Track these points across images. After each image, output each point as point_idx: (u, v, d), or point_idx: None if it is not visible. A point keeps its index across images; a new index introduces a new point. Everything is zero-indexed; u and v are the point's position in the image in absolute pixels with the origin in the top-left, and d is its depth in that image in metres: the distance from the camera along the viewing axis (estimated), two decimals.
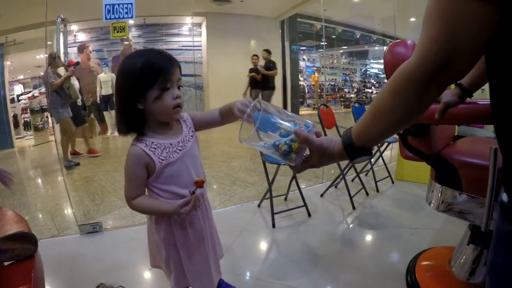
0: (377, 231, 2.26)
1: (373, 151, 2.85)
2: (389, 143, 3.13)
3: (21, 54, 6.84)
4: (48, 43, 3.39)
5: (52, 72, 3.93)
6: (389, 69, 1.26)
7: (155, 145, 1.06)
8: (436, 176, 1.34)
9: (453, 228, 2.11)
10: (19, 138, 7.03)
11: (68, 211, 2.86)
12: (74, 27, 6.71)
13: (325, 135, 2.70)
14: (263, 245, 2.17)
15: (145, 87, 1.00)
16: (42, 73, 6.46)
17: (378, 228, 2.30)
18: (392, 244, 2.05)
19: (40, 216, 2.86)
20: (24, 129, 7.19)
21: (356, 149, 0.73)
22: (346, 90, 10.97)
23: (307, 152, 0.80)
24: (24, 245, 0.92)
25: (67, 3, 4.23)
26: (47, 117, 7.38)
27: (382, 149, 3.20)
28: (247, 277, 1.78)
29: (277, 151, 0.78)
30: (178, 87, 1.05)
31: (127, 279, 1.76)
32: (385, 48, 10.36)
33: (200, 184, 1.03)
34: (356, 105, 3.38)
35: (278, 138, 0.78)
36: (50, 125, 7.01)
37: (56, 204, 3.17)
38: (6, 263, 0.90)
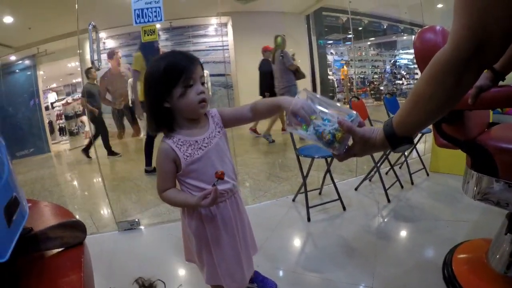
0: (412, 224, 2.23)
1: (415, 140, 2.80)
2: (422, 134, 3.06)
3: (53, 64, 7.16)
4: (79, 51, 3.53)
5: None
6: (420, 56, 1.24)
7: (182, 142, 1.12)
8: (472, 164, 1.31)
9: (490, 219, 2.07)
10: (55, 143, 7.35)
11: (106, 209, 2.99)
12: (102, 34, 6.92)
13: None
14: (299, 239, 2.19)
15: (170, 86, 1.07)
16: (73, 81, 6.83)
17: (413, 220, 2.26)
18: (428, 237, 2.02)
19: (79, 215, 2.96)
20: (60, 134, 7.50)
21: (398, 138, 0.75)
22: (377, 82, 10.75)
23: (350, 141, 0.83)
24: (73, 232, 0.94)
25: (96, 11, 4.38)
26: (81, 121, 7.69)
27: (415, 140, 3.12)
28: (283, 270, 1.80)
29: (321, 139, 0.81)
30: (202, 84, 1.11)
31: (164, 273, 1.82)
32: (413, 37, 10.12)
33: (219, 175, 1.02)
34: (388, 96, 3.31)
35: (321, 124, 0.82)
36: (87, 129, 7.29)
37: (94, 203, 3.30)
38: (55, 251, 0.92)
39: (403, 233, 2.15)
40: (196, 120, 1.17)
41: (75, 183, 4.35)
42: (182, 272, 1.90)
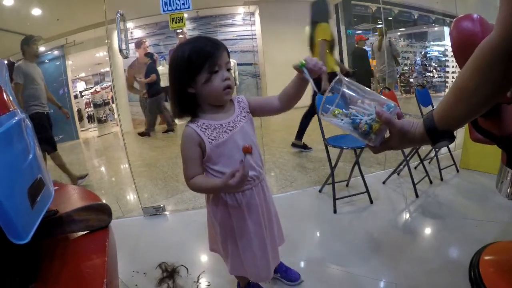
0: (440, 221, 2.16)
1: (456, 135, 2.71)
2: None
3: (81, 54, 7.31)
4: (107, 41, 3.59)
5: None
6: (457, 46, 1.18)
7: (206, 125, 1.11)
8: (508, 161, 1.25)
9: None
10: (84, 130, 7.53)
11: (132, 195, 3.06)
12: (130, 24, 7.00)
13: None
14: (324, 231, 2.16)
15: (194, 72, 1.06)
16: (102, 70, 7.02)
17: (441, 218, 2.20)
18: (455, 236, 1.95)
19: (105, 199, 3.04)
20: (88, 122, 7.70)
21: (439, 133, 0.71)
22: (407, 74, 10.43)
23: (387, 133, 0.79)
24: (98, 215, 0.95)
25: (123, 1, 4.45)
26: (109, 109, 7.87)
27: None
28: (307, 262, 1.80)
29: (357, 129, 0.78)
30: (228, 70, 1.10)
31: (188, 259, 1.85)
32: (445, 28, 9.73)
33: (247, 149, 0.99)
34: (419, 88, 3.21)
35: (358, 114, 0.78)
36: (116, 116, 7.45)
37: (120, 189, 3.38)
38: (80, 233, 0.93)
39: (430, 230, 2.09)
40: (221, 106, 1.15)
41: (103, 168, 4.46)
42: (205, 259, 1.92)
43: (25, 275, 0.73)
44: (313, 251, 1.91)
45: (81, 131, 7.44)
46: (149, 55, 6.18)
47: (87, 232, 0.94)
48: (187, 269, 1.76)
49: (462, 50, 1.20)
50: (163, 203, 2.63)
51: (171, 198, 2.87)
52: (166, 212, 2.54)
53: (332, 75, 3.44)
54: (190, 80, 1.07)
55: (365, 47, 6.07)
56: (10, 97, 0.81)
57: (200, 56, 1.05)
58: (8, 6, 4.73)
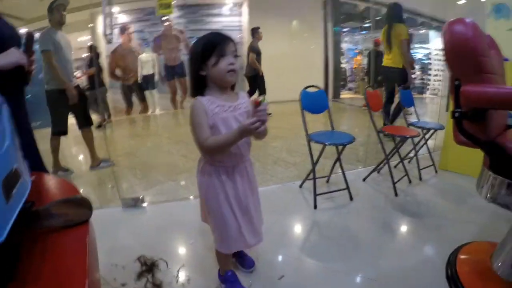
0: (418, 220, 2.20)
1: (419, 137, 2.76)
2: (435, 130, 3.01)
3: None
4: (90, 25, 3.47)
5: None
6: (449, 49, 1.19)
7: (211, 101, 1.31)
8: (490, 164, 1.28)
9: (497, 223, 2.06)
10: None
11: (111, 185, 2.97)
12: (115, 9, 6.84)
13: (371, 117, 2.61)
14: (304, 226, 2.17)
15: (206, 57, 1.29)
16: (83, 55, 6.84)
17: (419, 217, 2.24)
18: (433, 235, 2.00)
19: (82, 189, 2.97)
20: None
21: None
22: None
23: None
24: (78, 210, 0.91)
25: None
26: None
27: (427, 136, 3.07)
28: (286, 256, 1.80)
29: None
30: (235, 57, 1.31)
31: (167, 253, 1.82)
32: (430, 31, 9.86)
33: (257, 102, 1.16)
34: (403, 89, 3.26)
35: None
36: None
37: (99, 178, 3.29)
38: (58, 229, 0.86)
39: (409, 229, 2.13)
40: (225, 89, 1.36)
41: (81, 157, 4.34)
42: (184, 252, 1.89)
43: (2, 274, 0.68)
44: (293, 245, 1.91)
45: None
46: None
47: (66, 226, 0.87)
48: (166, 262, 1.73)
49: (454, 53, 1.23)
50: (142, 194, 2.57)
51: (150, 189, 2.80)
52: (144, 204, 2.49)
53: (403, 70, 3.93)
54: (202, 64, 1.30)
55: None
56: None
57: (211, 44, 1.29)
58: None
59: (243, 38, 7.51)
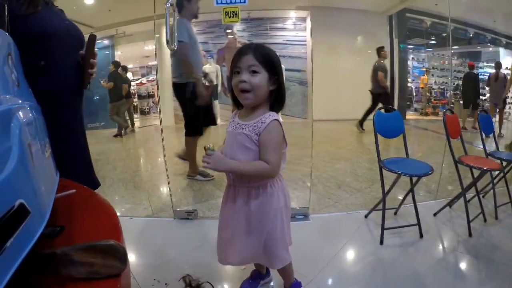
0: (494, 266, 1.94)
1: (499, 170, 2.45)
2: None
3: (131, 45, 7.55)
4: (156, 35, 3.55)
5: None
6: None
7: (234, 114, 1.36)
8: None
9: None
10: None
11: (166, 193, 2.97)
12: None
13: (450, 145, 2.34)
14: (368, 262, 2.00)
15: (231, 72, 1.25)
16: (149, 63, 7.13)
17: (495, 263, 1.98)
18: (508, 285, 1.76)
19: (137, 195, 2.99)
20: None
21: None
22: (458, 95, 9.89)
23: None
24: (107, 260, 0.68)
25: None
26: (153, 102, 7.99)
27: (506, 169, 2.74)
28: None
29: None
30: (253, 72, 1.20)
31: (214, 275, 1.74)
32: (500, 49, 9.19)
33: (204, 148, 1.20)
34: (483, 113, 2.96)
35: None
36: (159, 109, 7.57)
37: (154, 185, 3.32)
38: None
39: (483, 276, 1.88)
40: (252, 107, 1.27)
41: (141, 161, 4.44)
42: (233, 276, 1.80)
43: None
44: (355, 283, 1.77)
45: None
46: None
47: (89, 279, 0.66)
48: (212, 286, 1.65)
49: None
50: (195, 207, 2.54)
51: (205, 203, 2.77)
52: (197, 218, 2.44)
53: None
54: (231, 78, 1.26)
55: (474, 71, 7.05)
56: None
57: (233, 57, 1.23)
58: None
59: (307, 53, 7.42)
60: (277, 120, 1.23)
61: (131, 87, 7.78)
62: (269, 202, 1.31)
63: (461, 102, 7.35)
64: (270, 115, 1.23)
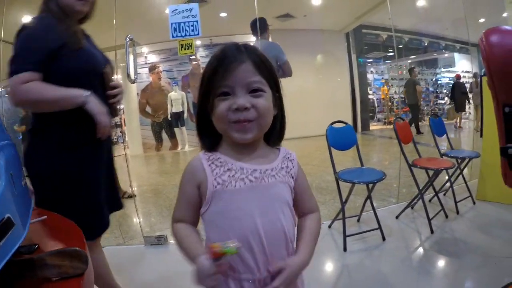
0: (457, 259, 2.05)
1: (454, 168, 2.61)
2: (470, 159, 2.86)
3: None
4: (121, 64, 3.60)
5: None
6: (490, 59, 1.03)
7: (220, 162, 0.77)
8: None
9: None
10: None
11: (135, 221, 2.97)
12: (144, 49, 7.14)
13: (402, 150, 2.48)
14: (334, 270, 2.06)
15: (205, 90, 0.81)
16: None
17: (458, 255, 2.09)
18: (474, 275, 1.85)
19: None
20: None
21: None
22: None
23: None
24: (73, 262, 0.84)
25: (135, 27, 4.53)
26: (120, 132, 7.94)
27: (462, 165, 2.91)
28: None
29: None
30: (255, 91, 0.75)
31: None
32: (455, 54, 9.73)
33: (215, 254, 0.67)
34: (434, 117, 3.15)
35: None
36: (127, 139, 7.50)
37: (124, 214, 3.29)
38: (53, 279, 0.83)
39: (448, 270, 1.98)
40: (246, 145, 0.78)
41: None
42: None
43: None
44: None
45: None
46: None
47: (59, 278, 0.83)
48: None
49: (500, 71, 1.04)
50: (166, 232, 2.54)
51: None
52: (168, 243, 2.45)
53: None
54: (206, 100, 0.77)
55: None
56: None
57: (212, 68, 0.75)
58: None
59: None
60: None
61: None
62: None
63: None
64: (281, 147, 0.87)
